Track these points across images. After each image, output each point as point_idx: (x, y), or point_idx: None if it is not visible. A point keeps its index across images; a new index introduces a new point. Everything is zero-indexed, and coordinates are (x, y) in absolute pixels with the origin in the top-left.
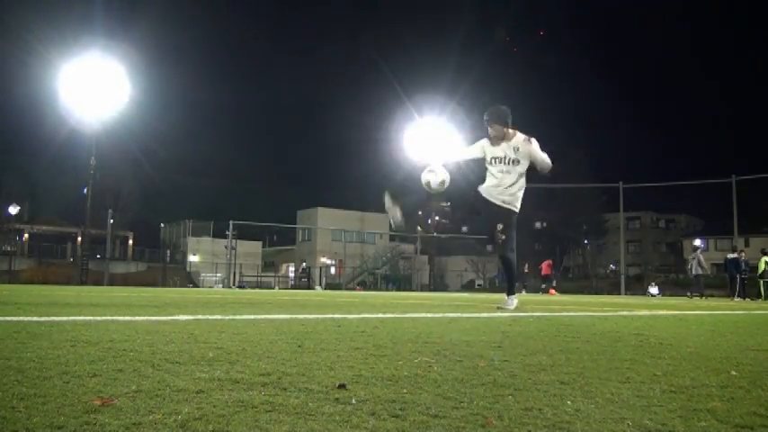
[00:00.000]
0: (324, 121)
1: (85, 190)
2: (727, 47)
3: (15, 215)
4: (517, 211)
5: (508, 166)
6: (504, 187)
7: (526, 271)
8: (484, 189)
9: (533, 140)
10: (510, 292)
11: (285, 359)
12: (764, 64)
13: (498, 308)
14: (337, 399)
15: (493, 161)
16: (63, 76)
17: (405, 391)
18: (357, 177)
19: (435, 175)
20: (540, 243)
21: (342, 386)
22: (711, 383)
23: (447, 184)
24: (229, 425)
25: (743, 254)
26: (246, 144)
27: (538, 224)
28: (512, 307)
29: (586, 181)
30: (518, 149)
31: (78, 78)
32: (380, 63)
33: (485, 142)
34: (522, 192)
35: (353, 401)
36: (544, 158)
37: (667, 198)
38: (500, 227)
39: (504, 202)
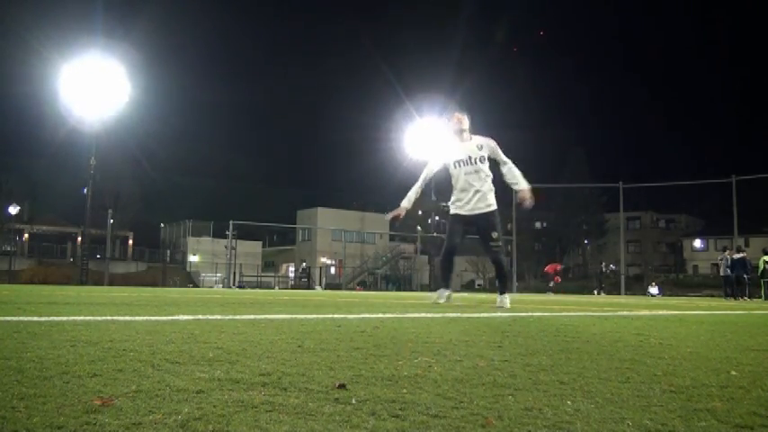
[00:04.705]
0: (324, 122)
1: (85, 190)
2: (728, 46)
3: (15, 215)
4: (497, 207)
5: (475, 165)
6: (475, 192)
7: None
8: (458, 207)
9: (493, 141)
10: (503, 291)
11: (285, 359)
12: (765, 63)
13: (498, 308)
14: (337, 399)
15: (457, 165)
16: (63, 76)
17: (405, 391)
18: (357, 177)
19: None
20: (540, 243)
21: (342, 386)
22: (711, 383)
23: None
24: (229, 425)
25: (744, 254)
26: (246, 144)
27: (538, 224)
28: (508, 305)
29: (586, 181)
30: (482, 146)
31: (78, 78)
32: (381, 63)
33: (444, 153)
34: (493, 190)
35: (353, 401)
36: (510, 165)
37: (667, 198)
38: (495, 234)
39: (487, 206)
